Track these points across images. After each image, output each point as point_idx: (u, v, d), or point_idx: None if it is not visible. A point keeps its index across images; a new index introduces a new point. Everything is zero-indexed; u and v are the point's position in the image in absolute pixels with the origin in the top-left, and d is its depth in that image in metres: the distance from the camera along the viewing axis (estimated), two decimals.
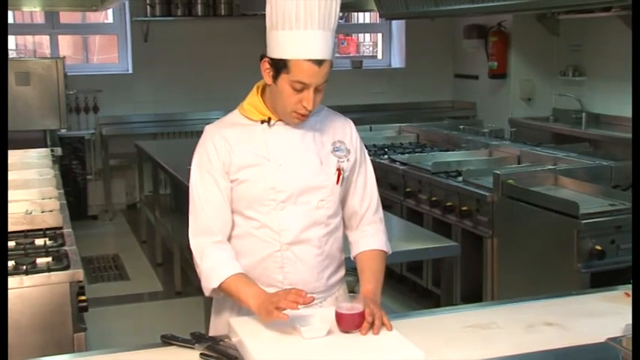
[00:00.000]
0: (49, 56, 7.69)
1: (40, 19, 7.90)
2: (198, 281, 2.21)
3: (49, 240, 3.04)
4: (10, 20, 7.61)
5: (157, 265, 6.09)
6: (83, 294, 2.76)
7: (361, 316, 2.03)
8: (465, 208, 4.49)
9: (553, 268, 3.83)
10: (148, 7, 7.61)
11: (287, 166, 2.18)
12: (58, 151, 5.49)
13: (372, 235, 2.32)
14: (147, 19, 7.67)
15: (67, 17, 7.94)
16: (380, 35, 8.94)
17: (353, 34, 9.73)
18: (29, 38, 8.29)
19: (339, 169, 2.24)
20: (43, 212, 3.34)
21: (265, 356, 1.91)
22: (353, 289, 2.85)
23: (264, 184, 2.17)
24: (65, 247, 2.95)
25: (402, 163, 5.19)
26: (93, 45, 8.49)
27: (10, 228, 3.07)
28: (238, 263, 2.17)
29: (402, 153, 5.55)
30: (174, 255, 5.44)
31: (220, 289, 2.13)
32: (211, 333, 2.23)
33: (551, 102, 7.44)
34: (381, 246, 2.32)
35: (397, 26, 8.64)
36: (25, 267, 2.67)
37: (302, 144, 2.21)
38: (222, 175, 2.18)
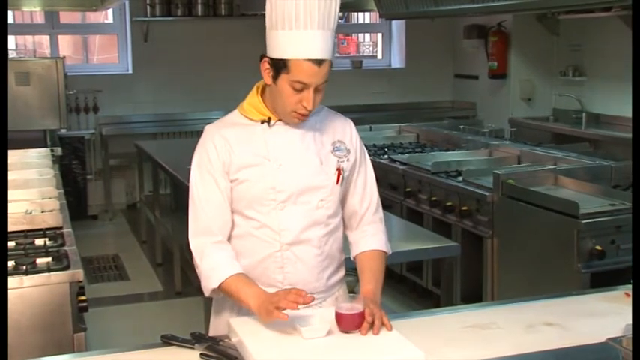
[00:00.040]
0: (49, 56, 7.69)
1: (40, 19, 7.90)
2: (198, 281, 2.21)
3: (49, 240, 3.04)
4: (10, 20, 7.61)
5: (157, 265, 6.09)
6: (83, 294, 2.76)
7: (361, 316, 2.03)
8: (465, 208, 4.49)
9: (553, 268, 3.83)
10: (148, 7, 7.61)
11: (287, 166, 2.18)
12: (58, 151, 5.49)
13: (372, 235, 2.32)
14: (147, 19, 7.67)
15: (67, 17, 7.94)
16: (380, 35, 8.94)
17: (353, 34, 9.73)
18: (29, 38, 8.29)
19: (339, 169, 2.23)
20: (43, 212, 3.34)
21: (265, 356, 1.91)
22: (353, 289, 2.85)
23: (264, 184, 2.17)
24: (65, 247, 2.95)
25: (402, 163, 5.19)
26: (93, 45, 8.49)
27: (10, 228, 3.07)
28: (238, 263, 2.17)
29: (402, 153, 5.55)
30: (174, 255, 5.44)
31: (220, 289, 2.13)
32: (211, 333, 2.23)
33: (551, 102, 7.44)
34: (381, 246, 2.32)
35: (397, 26, 8.64)
36: (25, 267, 2.67)
37: (302, 144, 2.21)
38: (222, 175, 2.18)
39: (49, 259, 2.77)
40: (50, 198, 3.62)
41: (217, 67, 7.81)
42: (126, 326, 4.86)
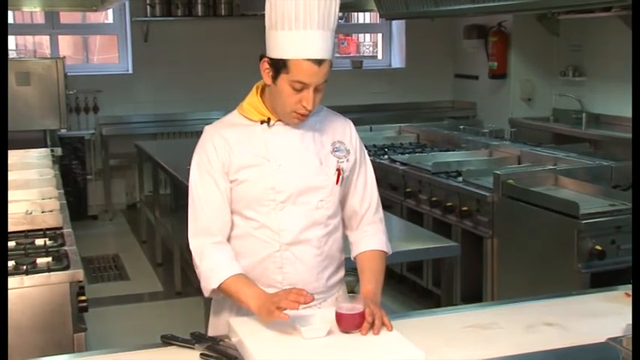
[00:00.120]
0: (49, 56, 7.69)
1: (40, 19, 7.90)
2: (198, 282, 2.21)
3: (49, 240, 3.04)
4: (10, 20, 7.61)
5: (157, 265, 6.09)
6: (83, 294, 2.76)
7: (361, 316, 2.03)
8: (465, 209, 4.49)
9: (553, 268, 3.83)
10: (148, 7, 7.61)
11: (286, 166, 2.17)
12: (58, 151, 5.49)
13: (372, 236, 2.32)
14: (147, 19, 7.67)
15: (67, 17, 7.94)
16: (380, 35, 8.94)
17: (353, 34, 9.73)
18: (29, 38, 8.29)
19: (338, 170, 2.23)
20: (43, 212, 3.35)
21: (265, 356, 1.91)
22: (353, 289, 2.85)
23: (264, 185, 2.16)
24: (65, 247, 2.95)
25: (402, 164, 5.19)
26: (93, 45, 8.49)
27: (11, 228, 3.07)
28: (238, 264, 2.16)
29: (402, 153, 5.55)
30: (174, 255, 5.44)
31: (220, 289, 2.13)
32: (210, 333, 2.23)
33: (552, 102, 7.44)
34: (381, 246, 2.32)
35: (397, 26, 8.64)
36: (25, 267, 2.67)
37: (301, 144, 2.20)
38: (222, 175, 2.17)
39: (49, 259, 2.77)
40: (50, 198, 3.62)
41: (217, 67, 7.81)
42: (126, 326, 4.86)
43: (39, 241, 3.02)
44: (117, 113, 7.76)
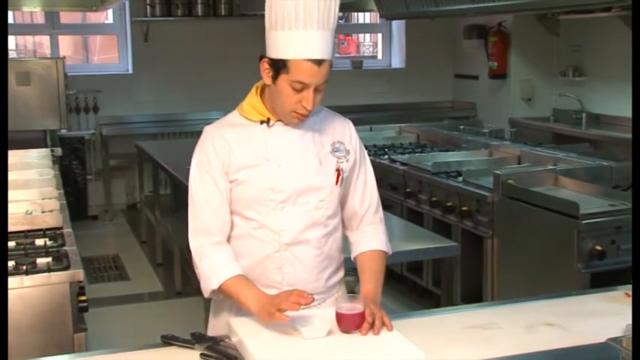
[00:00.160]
0: (49, 56, 7.69)
1: (40, 19, 7.90)
2: (198, 282, 2.20)
3: (49, 240, 3.04)
4: (10, 20, 7.61)
5: (157, 266, 6.09)
6: (83, 294, 2.76)
7: (361, 316, 2.03)
8: (465, 209, 4.49)
9: (553, 268, 3.83)
10: (148, 7, 7.61)
11: (286, 166, 2.17)
12: (58, 151, 5.49)
13: (373, 236, 2.32)
14: (147, 19, 7.67)
15: (67, 17, 7.94)
16: (380, 35, 8.94)
17: (353, 34, 9.73)
18: (29, 38, 8.29)
19: (338, 170, 2.23)
20: (43, 212, 3.34)
21: (265, 356, 1.91)
22: (353, 290, 2.85)
23: (264, 185, 2.16)
24: (65, 248, 2.95)
25: (403, 164, 5.19)
26: (93, 45, 8.49)
27: (11, 228, 3.07)
28: (238, 264, 2.16)
29: (402, 153, 5.55)
30: (174, 255, 5.44)
31: (220, 290, 2.13)
32: (210, 334, 2.23)
33: (552, 102, 7.44)
34: (381, 246, 2.32)
35: (397, 26, 8.64)
36: (25, 267, 2.67)
37: (301, 144, 2.20)
38: (222, 175, 2.17)
39: (50, 259, 2.77)
40: (50, 198, 3.62)
41: (217, 68, 7.81)
42: (126, 326, 4.86)
43: (39, 241, 3.02)
44: (117, 113, 7.76)
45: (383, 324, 2.04)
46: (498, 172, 4.30)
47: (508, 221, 4.18)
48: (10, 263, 2.69)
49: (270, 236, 2.19)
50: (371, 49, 9.59)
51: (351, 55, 9.45)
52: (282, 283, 2.21)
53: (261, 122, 2.20)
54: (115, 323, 4.86)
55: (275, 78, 2.10)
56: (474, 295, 4.43)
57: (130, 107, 7.79)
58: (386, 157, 5.48)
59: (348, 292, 2.41)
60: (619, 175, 4.28)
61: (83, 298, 2.75)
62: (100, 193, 7.69)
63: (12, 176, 3.86)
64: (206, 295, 2.18)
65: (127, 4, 7.61)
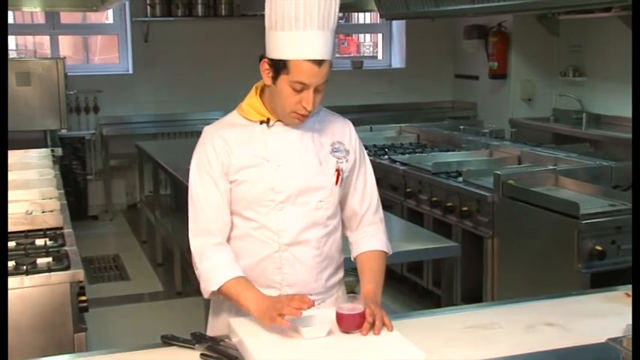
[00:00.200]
0: (49, 56, 7.69)
1: (40, 19, 7.90)
2: (198, 282, 2.20)
3: (50, 240, 3.04)
4: (11, 20, 7.61)
5: (158, 266, 6.09)
6: (83, 294, 2.76)
7: (362, 316, 2.03)
8: (465, 209, 4.49)
9: (553, 268, 3.83)
10: (149, 7, 7.61)
11: (286, 166, 2.17)
12: (59, 151, 5.48)
13: (373, 236, 2.32)
14: (147, 19, 7.67)
15: (67, 17, 7.94)
16: (380, 35, 8.94)
17: (353, 35, 9.73)
18: (29, 38, 8.29)
19: (338, 170, 2.23)
20: (43, 212, 3.34)
21: (266, 356, 1.91)
22: (353, 290, 2.85)
23: (263, 185, 2.16)
24: (65, 248, 2.95)
25: (403, 164, 5.19)
26: (93, 45, 8.49)
27: (11, 228, 3.07)
28: (238, 266, 2.16)
29: (402, 153, 5.55)
30: (174, 255, 5.44)
31: (220, 292, 2.13)
32: (209, 334, 2.22)
33: (552, 102, 7.44)
34: (381, 246, 2.31)
35: (397, 26, 8.64)
36: (25, 267, 2.67)
37: (301, 144, 2.20)
38: (222, 176, 2.17)
39: (50, 259, 2.77)
40: (50, 198, 3.62)
41: (217, 68, 7.81)
42: (126, 326, 4.86)
43: (39, 242, 3.02)
44: (117, 113, 7.76)
45: (383, 324, 2.04)
46: (498, 172, 4.30)
47: (508, 221, 4.18)
48: (11, 263, 2.69)
49: (269, 236, 2.19)
50: (371, 49, 9.59)
51: (352, 55, 9.45)
52: (281, 284, 2.21)
53: (261, 122, 2.20)
54: (115, 323, 4.86)
55: (275, 78, 2.10)
56: (474, 295, 4.43)
57: (130, 107, 7.79)
58: (386, 157, 5.48)
59: (349, 292, 2.41)
60: (619, 175, 4.28)
61: (83, 298, 2.75)
62: (101, 193, 7.69)
63: (12, 176, 3.86)
64: (206, 295, 2.18)
65: (127, 4, 7.61)
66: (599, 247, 3.66)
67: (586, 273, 3.66)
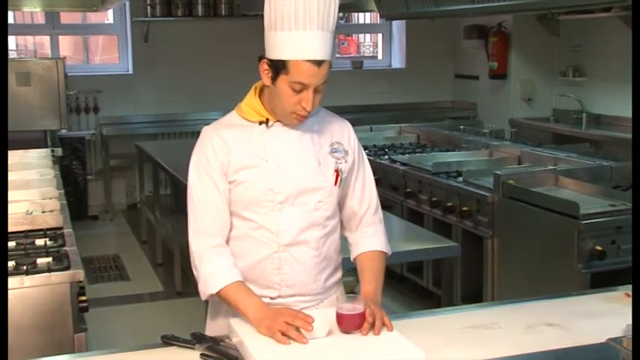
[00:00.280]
0: (49, 57, 7.69)
1: (40, 19, 7.90)
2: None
3: (50, 240, 3.04)
4: (11, 20, 7.61)
5: (158, 266, 6.09)
6: (83, 294, 2.76)
7: (362, 316, 2.03)
8: (465, 209, 4.49)
9: (553, 268, 3.83)
10: (149, 7, 7.61)
11: (285, 167, 2.17)
12: (59, 151, 5.49)
13: (372, 236, 2.32)
14: (147, 19, 7.67)
15: (67, 18, 7.94)
16: (380, 36, 8.94)
17: (353, 35, 9.73)
18: (30, 38, 8.29)
19: (337, 171, 2.23)
20: (43, 212, 3.34)
21: (266, 356, 1.91)
22: (353, 290, 2.85)
23: (262, 186, 2.16)
24: (65, 248, 2.95)
25: (403, 164, 5.19)
26: (93, 45, 8.50)
27: (11, 228, 3.07)
28: (237, 270, 2.15)
29: (402, 153, 5.55)
30: (174, 255, 5.44)
31: (218, 295, 2.12)
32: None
33: (552, 102, 7.44)
34: (380, 247, 2.31)
35: (397, 27, 8.64)
36: (25, 267, 2.67)
37: (300, 145, 2.20)
38: (221, 176, 2.17)
39: (50, 259, 2.77)
40: (50, 198, 3.62)
41: (218, 68, 7.81)
42: (126, 326, 4.86)
43: (39, 242, 3.02)
44: (117, 113, 7.76)
45: (383, 324, 2.04)
46: (498, 172, 4.30)
47: (508, 221, 4.18)
48: (11, 263, 2.69)
49: (268, 237, 2.19)
50: (371, 49, 9.59)
51: (351, 55, 9.45)
52: (280, 284, 2.21)
53: (260, 123, 2.19)
54: (115, 323, 4.86)
55: (274, 79, 2.10)
56: (474, 295, 4.43)
57: (130, 107, 7.79)
58: (386, 157, 5.48)
59: (348, 293, 2.40)
60: (619, 175, 4.29)
61: (83, 298, 2.75)
62: (101, 193, 7.69)
63: (12, 176, 3.86)
64: (203, 297, 2.17)
65: (128, 4, 7.61)
66: (599, 247, 3.66)
67: (586, 273, 3.66)
